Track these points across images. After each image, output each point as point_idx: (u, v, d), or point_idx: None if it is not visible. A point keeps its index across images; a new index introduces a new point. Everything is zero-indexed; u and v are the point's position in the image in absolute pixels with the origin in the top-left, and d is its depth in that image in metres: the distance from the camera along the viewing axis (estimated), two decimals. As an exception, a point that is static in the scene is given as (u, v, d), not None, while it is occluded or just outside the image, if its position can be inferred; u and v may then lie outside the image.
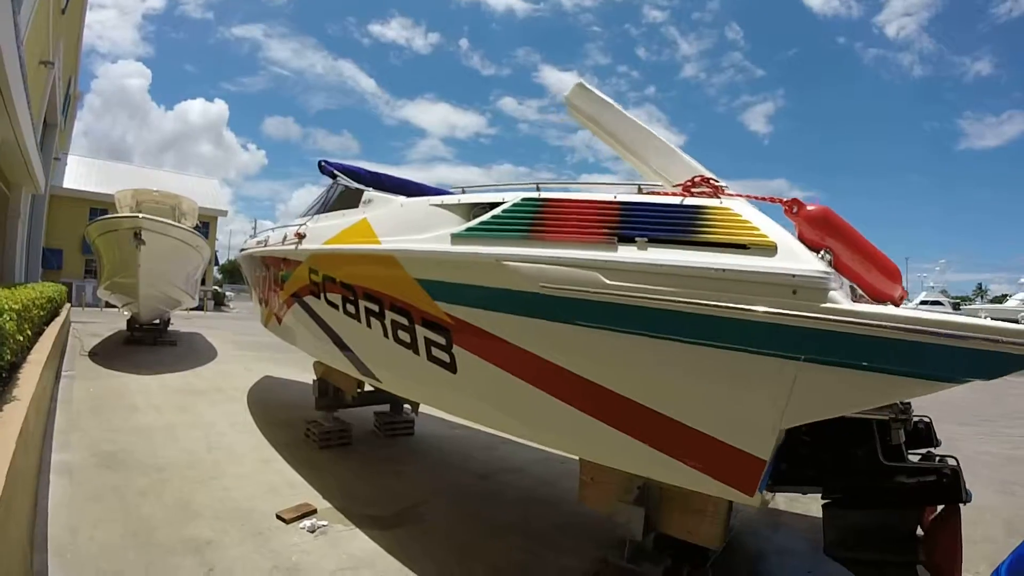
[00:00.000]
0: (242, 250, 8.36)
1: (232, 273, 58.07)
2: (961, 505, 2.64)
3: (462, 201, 3.62)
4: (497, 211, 3.22)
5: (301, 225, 5.71)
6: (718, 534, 2.95)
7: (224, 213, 36.09)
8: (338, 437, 6.54)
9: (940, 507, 2.79)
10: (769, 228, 2.40)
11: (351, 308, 4.35)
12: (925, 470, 2.75)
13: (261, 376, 10.64)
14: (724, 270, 2.30)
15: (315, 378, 6.88)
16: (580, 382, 2.77)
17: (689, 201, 2.69)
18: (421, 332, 3.60)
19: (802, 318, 2.11)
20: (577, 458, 3.35)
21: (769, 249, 2.30)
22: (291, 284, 5.58)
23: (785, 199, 2.51)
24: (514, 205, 3.10)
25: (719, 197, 2.72)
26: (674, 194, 2.86)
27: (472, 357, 3.25)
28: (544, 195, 3.10)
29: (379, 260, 4.00)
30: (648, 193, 2.90)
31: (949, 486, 2.65)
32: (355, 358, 4.72)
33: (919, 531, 2.78)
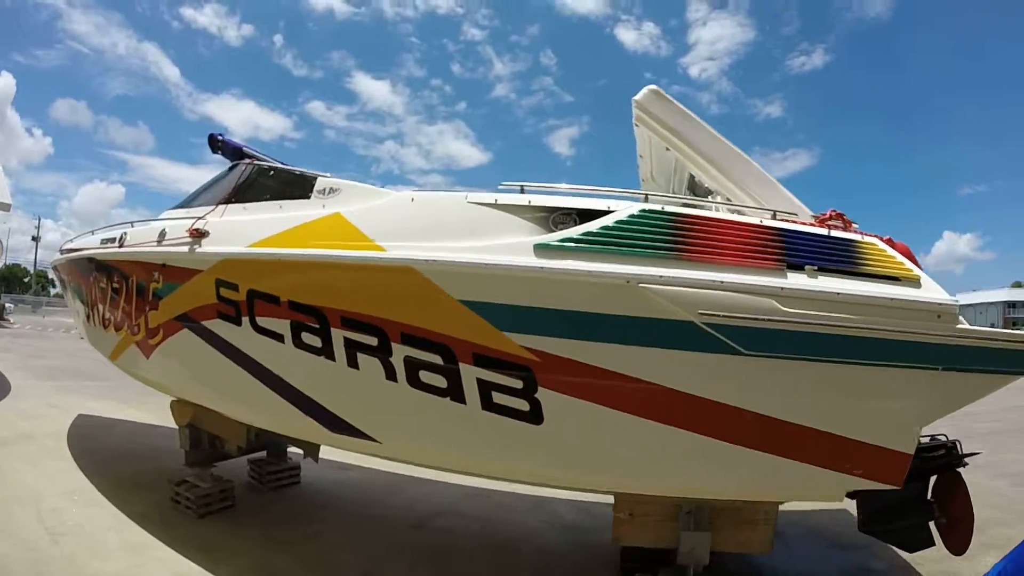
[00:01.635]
0: (66, 249, 5.64)
1: (10, 281, 46.54)
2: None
3: (532, 203, 2.78)
4: (608, 221, 2.58)
5: (198, 219, 3.74)
6: (769, 539, 3.02)
7: (7, 207, 28.11)
8: (219, 499, 4.71)
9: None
10: (906, 262, 2.64)
11: (311, 339, 2.97)
12: (934, 447, 3.12)
13: (74, 415, 7.81)
14: (892, 299, 2.45)
15: (180, 425, 4.74)
16: (730, 413, 2.46)
17: (840, 234, 2.73)
18: (471, 373, 2.62)
19: (946, 337, 2.40)
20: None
21: (915, 281, 2.55)
22: (176, 302, 3.69)
23: (882, 236, 2.77)
24: (636, 216, 2.57)
25: (850, 231, 2.81)
26: (812, 224, 2.87)
27: (572, 402, 2.51)
28: (670, 209, 2.68)
29: (385, 273, 2.75)
30: (782, 220, 2.77)
31: (953, 457, 3.10)
32: (317, 409, 3.15)
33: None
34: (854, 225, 2.89)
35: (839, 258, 2.59)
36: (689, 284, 2.37)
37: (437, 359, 2.70)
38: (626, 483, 2.93)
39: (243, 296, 3.27)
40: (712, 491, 2.90)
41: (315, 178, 3.65)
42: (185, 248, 3.67)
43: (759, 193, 3.10)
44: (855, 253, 2.63)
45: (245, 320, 3.30)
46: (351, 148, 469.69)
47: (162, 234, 4.03)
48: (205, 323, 3.58)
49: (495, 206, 2.83)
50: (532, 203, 2.82)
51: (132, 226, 4.69)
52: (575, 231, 2.61)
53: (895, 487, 2.62)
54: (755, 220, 2.72)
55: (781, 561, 4.25)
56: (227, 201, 4.02)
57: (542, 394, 2.57)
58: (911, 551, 3.22)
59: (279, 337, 3.14)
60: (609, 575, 4.01)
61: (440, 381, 2.73)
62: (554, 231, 2.66)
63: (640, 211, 2.62)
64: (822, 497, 2.84)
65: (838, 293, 2.42)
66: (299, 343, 3.05)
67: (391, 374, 2.82)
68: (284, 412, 3.34)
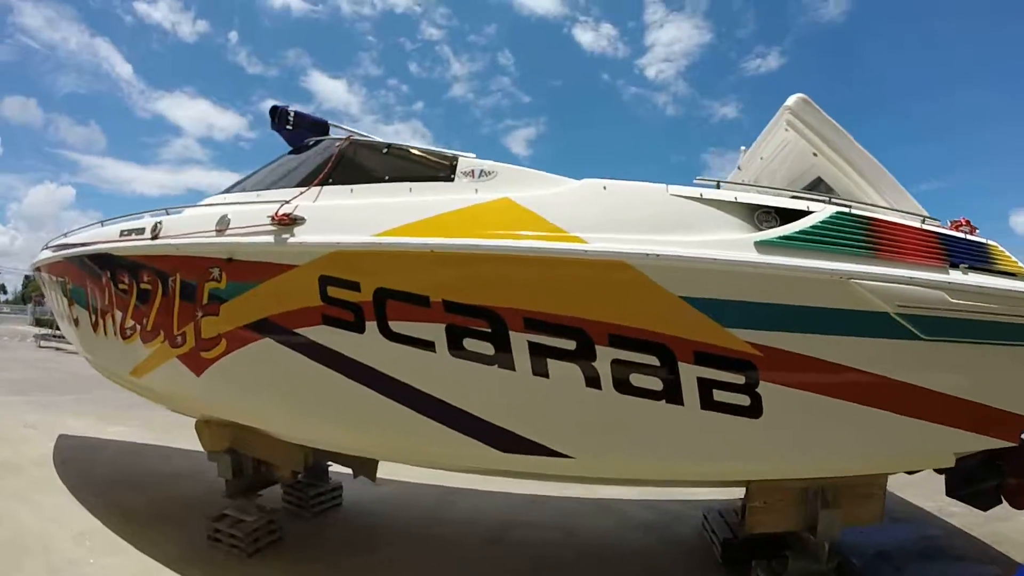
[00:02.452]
0: (60, 245, 4.49)
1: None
2: None
3: (740, 199, 2.67)
4: (812, 221, 2.59)
5: (284, 203, 2.96)
6: (882, 510, 3.12)
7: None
8: (267, 533, 3.84)
9: None
10: (1019, 261, 2.89)
11: (479, 346, 2.47)
12: None
13: (55, 435, 6.56)
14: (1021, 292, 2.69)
15: (216, 450, 3.76)
16: (913, 391, 2.60)
17: (975, 238, 2.94)
18: (691, 372, 2.42)
19: None
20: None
21: None
22: (250, 306, 2.91)
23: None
24: (835, 218, 2.62)
25: (974, 235, 2.99)
26: (949, 228, 3.02)
27: (789, 393, 2.47)
28: (859, 212, 2.75)
29: (589, 268, 2.38)
30: (932, 225, 2.93)
31: None
32: (484, 428, 2.62)
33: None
34: (976, 230, 3.11)
35: (979, 258, 2.83)
36: (886, 279, 2.50)
37: (652, 360, 2.44)
38: (828, 466, 2.84)
39: (367, 297, 2.59)
40: (883, 464, 3.01)
41: (455, 157, 3.06)
42: (268, 238, 2.81)
43: (892, 198, 3.19)
44: (988, 254, 2.88)
45: (370, 326, 2.61)
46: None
47: (223, 222, 3.09)
48: (301, 331, 2.77)
49: (701, 200, 2.67)
50: (738, 199, 2.69)
51: (167, 213, 3.62)
52: (788, 229, 2.57)
53: (1013, 444, 2.85)
54: (910, 222, 2.85)
55: (859, 537, 4.06)
56: (323, 182, 3.16)
57: (763, 388, 2.49)
58: (985, 509, 3.38)
59: (427, 345, 2.53)
60: (712, 569, 3.84)
61: (655, 384, 2.47)
62: (761, 229, 2.59)
63: (836, 213, 2.66)
64: (940, 462, 2.99)
65: (990, 288, 2.65)
66: (459, 352, 2.50)
67: (593, 380, 2.46)
68: (432, 436, 2.69)
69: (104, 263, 3.78)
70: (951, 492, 3.37)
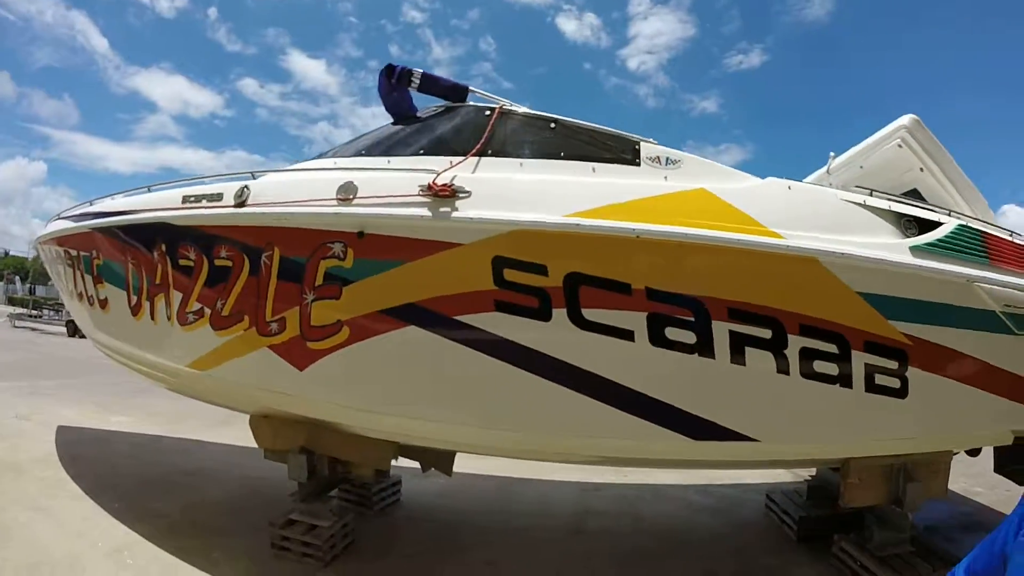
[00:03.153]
0: (82, 215, 3.67)
1: None
2: None
3: (892, 208, 2.91)
4: (945, 232, 2.83)
5: (445, 171, 2.55)
6: (946, 485, 3.38)
7: None
8: (343, 538, 3.30)
9: None
10: None
11: (682, 335, 2.37)
12: None
13: (52, 427, 5.61)
14: None
15: (286, 449, 3.22)
16: (1000, 376, 2.86)
17: None
18: (860, 359, 2.59)
19: None
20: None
21: None
22: (389, 288, 2.46)
23: None
24: (959, 230, 2.87)
25: None
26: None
27: (928, 376, 2.72)
28: (975, 226, 2.97)
29: (786, 262, 2.43)
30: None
31: None
32: (679, 417, 2.50)
33: None
34: None
35: None
36: (997, 284, 2.75)
37: (832, 348, 2.56)
38: (944, 440, 3.13)
39: (556, 282, 2.33)
40: (969, 439, 3.30)
41: (638, 141, 2.90)
42: (421, 211, 2.39)
43: (981, 214, 3.44)
44: None
45: (558, 314, 2.34)
46: (283, 128, 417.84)
47: (348, 189, 2.54)
48: (464, 318, 2.39)
49: (864, 207, 2.87)
50: (892, 208, 2.91)
51: (253, 177, 2.87)
52: (930, 237, 2.80)
53: None
54: (1012, 238, 3.11)
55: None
56: (481, 152, 2.76)
57: (910, 372, 2.70)
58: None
59: (626, 335, 2.38)
60: (791, 547, 3.82)
61: (832, 369, 2.59)
62: (906, 234, 2.82)
63: (959, 225, 2.89)
64: (1003, 440, 3.22)
65: None
66: (660, 341, 2.38)
67: (784, 367, 2.51)
68: (622, 428, 2.53)
69: (158, 235, 2.96)
70: (999, 468, 3.63)
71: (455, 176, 2.51)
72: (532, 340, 2.40)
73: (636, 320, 2.36)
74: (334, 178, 2.66)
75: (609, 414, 2.48)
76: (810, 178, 3.97)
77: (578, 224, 2.33)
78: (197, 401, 4.00)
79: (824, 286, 2.47)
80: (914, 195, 3.42)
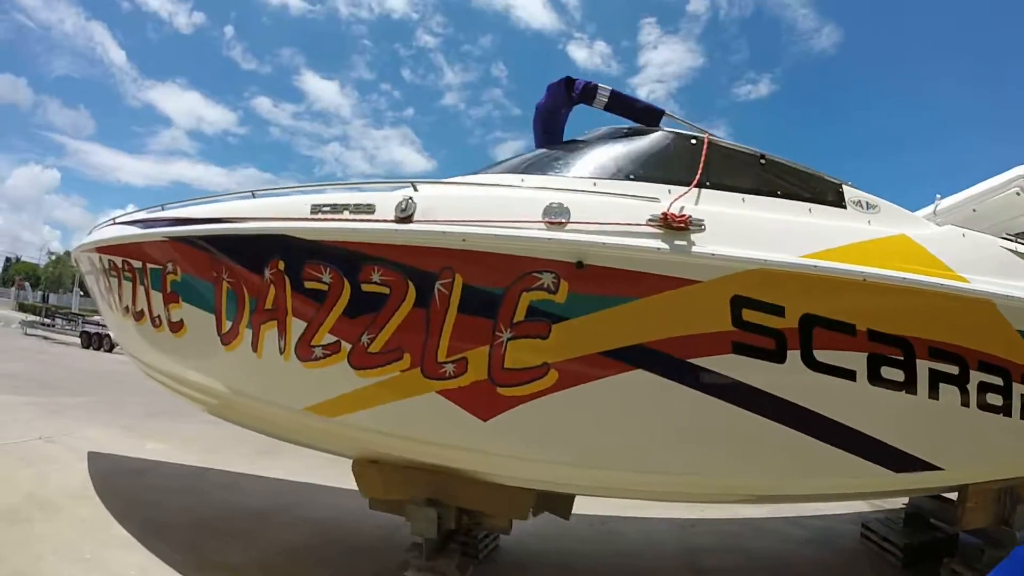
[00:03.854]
0: (151, 221, 3.02)
1: None
2: None
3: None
4: None
5: (675, 201, 2.26)
6: None
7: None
8: None
9: None
10: None
11: (893, 374, 2.36)
12: None
13: (80, 452, 4.85)
14: None
15: (396, 499, 2.75)
16: None
17: None
18: (1019, 390, 2.69)
19: None
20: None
21: None
22: (614, 327, 2.11)
23: None
24: None
25: None
26: None
27: None
28: None
29: (968, 304, 2.48)
30: None
31: None
32: (884, 452, 2.46)
33: None
34: None
35: None
36: None
37: (999, 381, 2.64)
38: None
39: (792, 323, 2.19)
40: None
41: (840, 184, 2.86)
42: (656, 243, 2.09)
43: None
44: None
45: (792, 355, 2.19)
46: (295, 147, 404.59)
47: (558, 212, 2.13)
48: (699, 361, 2.14)
49: (1018, 254, 2.96)
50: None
51: (415, 188, 2.31)
52: None
53: None
54: None
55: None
56: (700, 184, 2.52)
57: None
58: None
59: (848, 375, 2.29)
60: (898, 571, 3.77)
61: (998, 400, 2.65)
62: None
63: None
64: None
65: None
66: (877, 380, 2.34)
67: (965, 400, 2.55)
68: (839, 468, 2.45)
69: (274, 250, 2.37)
70: None
71: (683, 207, 2.21)
72: (766, 383, 2.22)
73: (858, 360, 2.31)
74: (532, 197, 2.25)
75: (828, 453, 2.37)
76: (918, 214, 3.79)
77: (816, 266, 2.23)
78: (232, 427, 3.46)
79: (996, 326, 2.57)
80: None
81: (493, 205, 2.20)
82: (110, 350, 16.41)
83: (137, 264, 2.95)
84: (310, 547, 3.45)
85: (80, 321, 19.96)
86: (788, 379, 2.21)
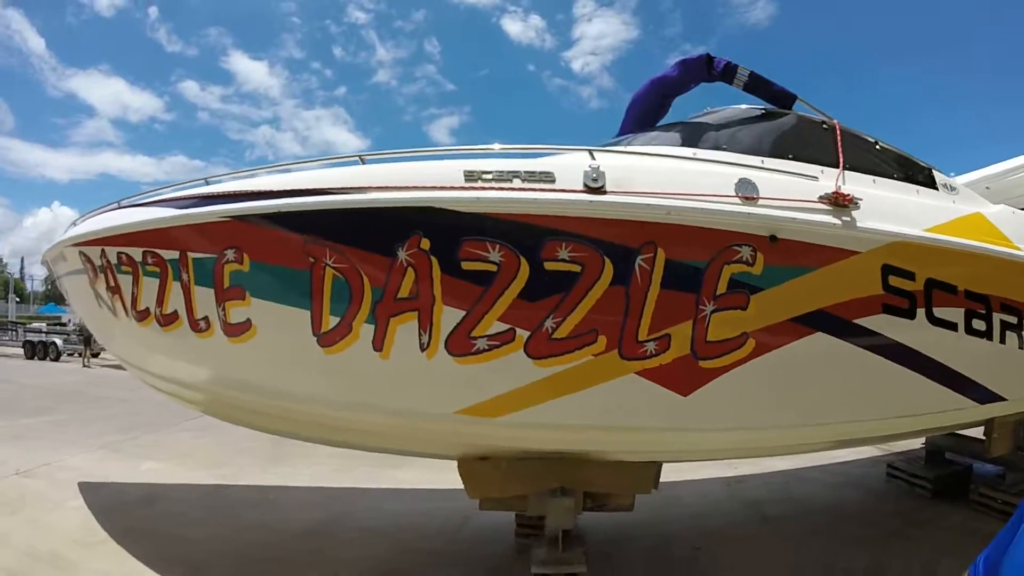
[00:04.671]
0: (201, 198, 2.29)
1: None
2: None
3: None
4: None
5: (835, 180, 2.47)
6: None
7: None
8: None
9: None
10: None
11: (979, 324, 2.79)
12: None
13: (67, 484, 4.01)
14: None
15: (516, 496, 2.51)
16: None
17: None
18: None
19: None
20: None
21: None
22: (799, 295, 2.19)
23: None
24: None
25: None
26: None
27: None
28: None
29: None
30: None
31: None
32: (972, 388, 2.91)
33: None
34: None
35: None
36: None
37: None
38: None
39: (919, 286, 2.50)
40: None
41: (930, 168, 3.19)
42: (829, 218, 2.25)
43: None
44: None
45: (920, 313, 2.50)
46: (224, 132, 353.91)
47: (748, 188, 2.16)
48: (859, 321, 2.36)
49: None
50: None
51: (592, 156, 2.15)
52: None
53: None
54: None
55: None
56: (846, 167, 2.71)
57: None
58: None
59: (952, 327, 2.66)
60: (929, 501, 4.12)
61: None
62: None
63: None
64: None
65: None
66: (970, 330, 2.75)
67: (1022, 343, 2.88)
68: (945, 403, 2.82)
69: (412, 225, 1.96)
70: None
71: (847, 187, 2.40)
72: (903, 337, 2.48)
73: (959, 315, 2.66)
74: (722, 172, 2.24)
75: (940, 393, 2.69)
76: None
77: (935, 239, 2.56)
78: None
79: None
80: None
81: (688, 178, 2.09)
82: (56, 359, 14.85)
83: (170, 255, 2.27)
84: (396, 558, 2.99)
85: (20, 330, 17.65)
86: (916, 332, 2.49)
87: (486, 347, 1.94)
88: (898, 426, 2.91)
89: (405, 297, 1.94)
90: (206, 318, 2.24)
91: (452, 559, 2.94)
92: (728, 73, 2.92)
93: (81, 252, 2.54)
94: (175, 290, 2.27)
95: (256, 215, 2.07)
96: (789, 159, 2.56)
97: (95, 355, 13.91)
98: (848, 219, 2.27)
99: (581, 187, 1.94)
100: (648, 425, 2.17)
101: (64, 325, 18.28)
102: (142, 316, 2.41)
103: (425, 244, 1.91)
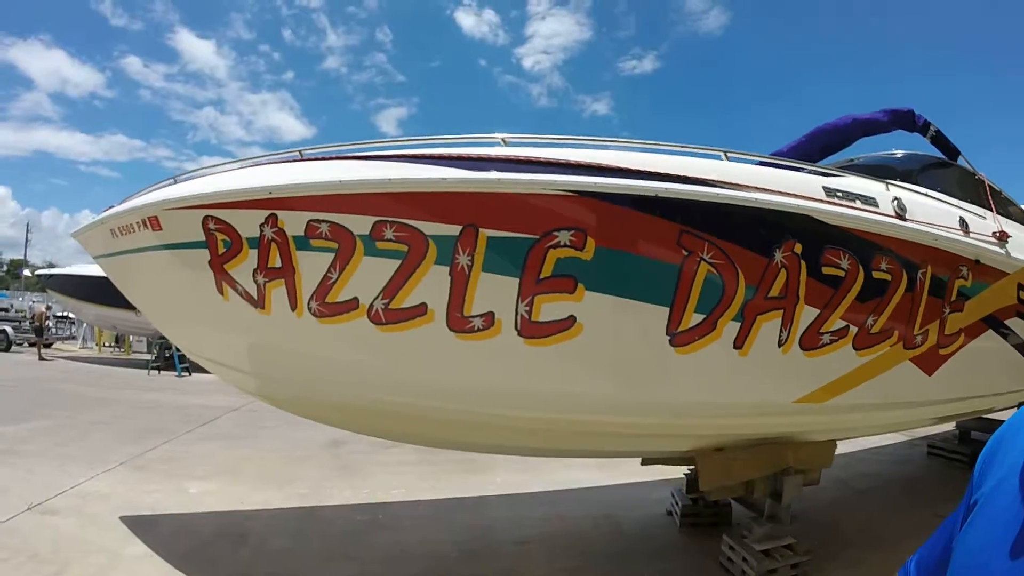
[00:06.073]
0: (476, 160, 1.74)
1: None
2: None
3: None
4: None
5: (996, 223, 3.00)
6: None
7: None
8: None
9: None
10: None
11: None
12: None
13: (103, 517, 2.86)
14: None
15: (750, 479, 2.64)
16: None
17: None
18: None
19: None
20: None
21: None
22: (984, 303, 2.76)
23: None
24: None
25: None
26: None
27: None
28: None
29: None
30: None
31: None
32: None
33: None
34: None
35: None
36: None
37: None
38: None
39: None
40: None
41: (1013, 203, 3.60)
42: (998, 249, 2.79)
43: None
44: None
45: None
46: (167, 112, 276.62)
47: (964, 224, 2.71)
48: (1008, 322, 2.94)
49: None
50: None
51: (887, 188, 2.47)
52: None
53: None
54: None
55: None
56: (984, 205, 3.15)
57: None
58: None
59: None
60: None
61: None
62: None
63: None
64: None
65: None
66: None
67: None
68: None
69: (789, 230, 1.96)
70: None
71: (1000, 223, 3.00)
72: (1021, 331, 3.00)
73: None
74: (947, 210, 2.75)
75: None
76: None
77: None
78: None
79: None
80: None
81: (939, 215, 2.59)
82: (7, 348, 13.21)
83: (439, 229, 1.72)
84: (584, 565, 2.70)
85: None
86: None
87: (828, 341, 2.12)
88: (1016, 398, 3.42)
89: (775, 296, 1.98)
90: (489, 314, 1.78)
91: (642, 554, 2.88)
92: (923, 128, 3.46)
93: (211, 218, 1.83)
94: (433, 276, 1.74)
95: (618, 195, 1.75)
96: (971, 203, 3.09)
97: (48, 345, 12.68)
98: (1005, 250, 2.86)
99: (892, 212, 2.32)
100: (907, 399, 2.63)
101: (6, 311, 15.13)
102: (337, 310, 1.80)
103: (798, 248, 1.98)
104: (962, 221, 2.69)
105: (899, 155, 3.45)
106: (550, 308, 1.76)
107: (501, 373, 1.90)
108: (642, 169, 1.84)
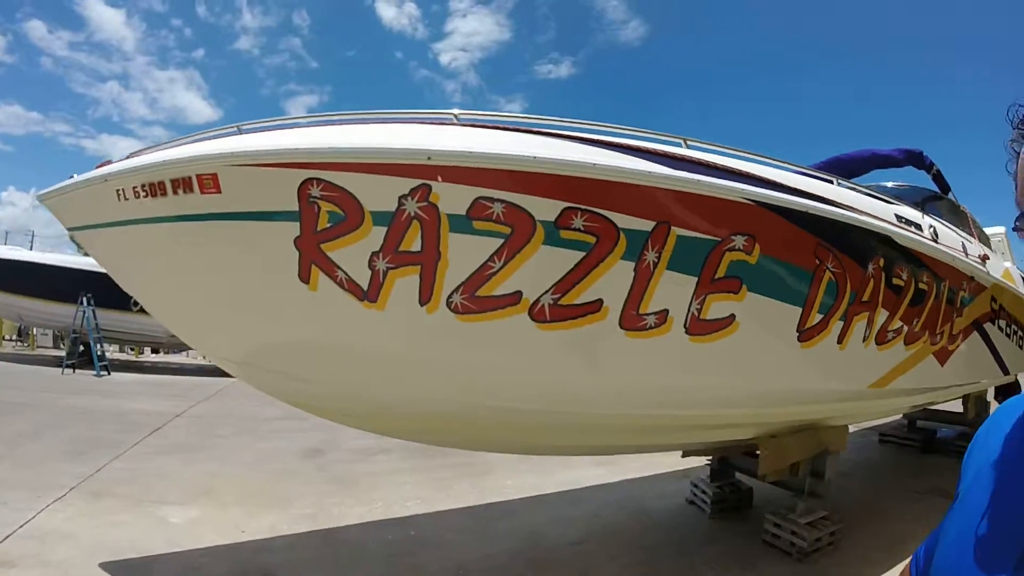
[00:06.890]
0: (688, 162, 1.71)
1: None
2: None
3: None
4: None
5: (979, 248, 3.66)
6: None
7: None
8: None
9: None
10: None
11: (1013, 330, 3.93)
12: None
13: (81, 565, 2.09)
14: None
15: (796, 461, 2.95)
16: None
17: None
18: None
19: None
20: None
21: None
22: (972, 310, 3.36)
23: None
24: None
25: None
26: None
27: None
28: None
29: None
30: None
31: None
32: (1002, 364, 3.90)
33: None
34: None
35: None
36: None
37: None
38: None
39: (998, 307, 3.66)
40: None
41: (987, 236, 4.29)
42: (982, 269, 3.31)
43: None
44: None
45: (1000, 322, 3.72)
46: (68, 83, 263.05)
47: (983, 256, 3.47)
48: (984, 325, 3.50)
49: None
50: None
51: (924, 216, 3.03)
52: None
53: None
54: None
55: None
56: (968, 234, 3.75)
57: None
58: None
59: (1005, 332, 3.81)
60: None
61: None
62: None
63: None
64: None
65: None
66: (1007, 333, 3.85)
67: (1021, 344, 4.11)
68: (997, 371, 3.89)
69: (876, 247, 2.35)
70: None
71: (982, 249, 3.67)
72: (994, 336, 3.68)
73: (1004, 325, 3.79)
74: (955, 236, 3.34)
75: (996, 367, 3.84)
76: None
77: (1004, 282, 3.63)
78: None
79: None
80: None
81: (950, 238, 3.18)
82: None
83: (633, 223, 1.60)
84: (652, 560, 2.71)
85: None
86: (997, 331, 3.66)
87: (891, 338, 2.57)
88: (983, 385, 4.09)
89: (865, 300, 2.31)
90: (663, 312, 1.73)
91: (690, 542, 2.96)
92: (929, 167, 4.06)
93: (317, 181, 1.47)
94: (616, 271, 1.63)
95: (781, 208, 1.90)
96: (960, 228, 3.61)
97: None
98: (986, 269, 3.36)
99: (930, 237, 2.79)
100: (928, 385, 3.15)
101: None
102: (490, 304, 1.57)
103: (881, 262, 2.35)
104: (963, 245, 3.30)
105: (905, 187, 3.98)
106: (717, 307, 1.82)
107: (662, 371, 1.89)
108: (792, 186, 2.08)
